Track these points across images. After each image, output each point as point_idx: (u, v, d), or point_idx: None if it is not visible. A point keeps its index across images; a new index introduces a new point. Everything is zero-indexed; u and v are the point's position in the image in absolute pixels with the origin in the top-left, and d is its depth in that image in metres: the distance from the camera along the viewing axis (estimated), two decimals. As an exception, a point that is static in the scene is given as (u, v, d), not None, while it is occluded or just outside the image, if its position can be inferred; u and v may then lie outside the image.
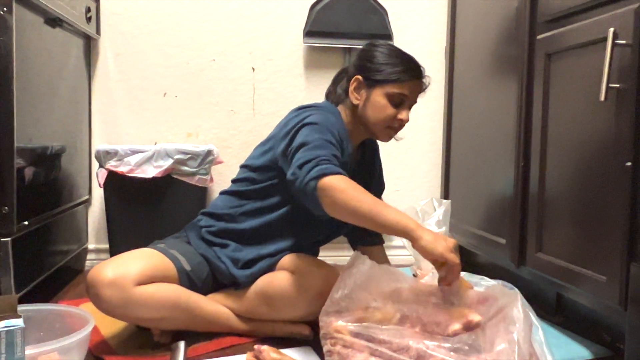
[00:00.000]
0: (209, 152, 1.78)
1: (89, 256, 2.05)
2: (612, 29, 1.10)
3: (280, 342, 1.27)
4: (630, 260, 1.09)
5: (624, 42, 1.09)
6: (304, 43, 2.06)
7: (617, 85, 1.11)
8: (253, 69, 2.09)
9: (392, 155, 2.14)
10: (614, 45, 1.10)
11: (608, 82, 1.11)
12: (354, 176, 1.36)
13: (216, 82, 2.08)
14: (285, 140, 1.30)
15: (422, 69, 1.37)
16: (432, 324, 1.06)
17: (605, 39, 1.13)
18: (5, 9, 1.29)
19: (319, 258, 1.43)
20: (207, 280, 1.37)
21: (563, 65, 1.34)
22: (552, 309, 1.50)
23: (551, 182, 1.38)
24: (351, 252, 1.31)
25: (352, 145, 1.39)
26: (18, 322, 0.90)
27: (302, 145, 1.23)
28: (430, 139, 2.21)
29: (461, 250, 2.01)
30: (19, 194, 1.37)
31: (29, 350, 0.98)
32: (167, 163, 1.72)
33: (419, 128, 2.20)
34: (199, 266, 1.35)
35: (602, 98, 1.11)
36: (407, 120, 1.36)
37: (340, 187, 1.13)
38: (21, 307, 1.14)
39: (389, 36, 2.08)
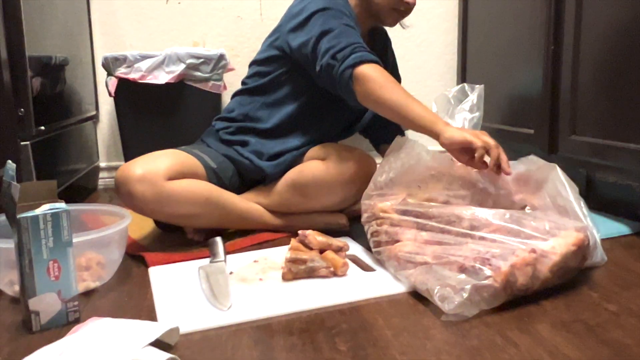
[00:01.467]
0: (221, 57, 1.70)
1: (101, 174, 2.02)
2: None
3: (317, 234, 1.27)
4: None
5: None
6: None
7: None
8: (260, -30, 1.99)
9: (405, 58, 2.09)
10: None
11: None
12: None
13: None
14: (298, 33, 1.26)
15: None
16: (481, 199, 1.05)
17: None
18: None
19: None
20: (234, 179, 1.35)
21: None
22: (583, 195, 1.50)
23: (586, 60, 1.34)
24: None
25: (360, 30, 1.33)
26: (62, 205, 0.86)
27: (324, 34, 1.20)
28: (444, 40, 2.14)
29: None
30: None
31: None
32: (179, 68, 1.64)
33: (432, 29, 2.13)
34: (224, 164, 1.33)
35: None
36: (413, 3, 1.32)
37: (374, 76, 1.13)
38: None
39: None
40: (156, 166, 1.17)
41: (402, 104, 1.11)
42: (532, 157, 1.12)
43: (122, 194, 1.16)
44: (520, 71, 1.64)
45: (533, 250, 0.90)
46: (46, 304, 0.85)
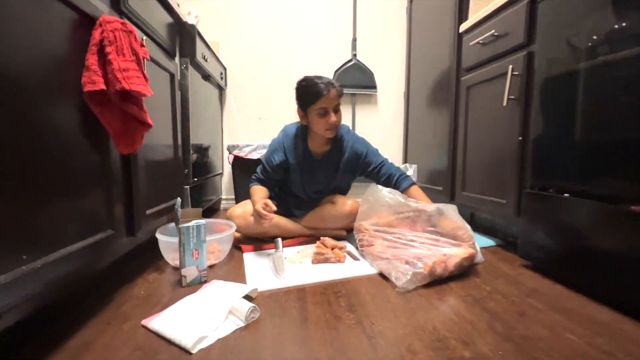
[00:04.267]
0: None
1: (222, 203, 2.00)
2: (511, 66, 1.02)
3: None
4: (520, 188, 1.02)
5: (517, 72, 1.02)
6: (331, 90, 1.98)
7: (513, 97, 1.03)
8: (305, 105, 2.01)
9: (373, 140, 2.05)
10: (512, 75, 1.02)
11: (509, 94, 1.03)
12: (316, 163, 1.22)
13: (288, 112, 2.00)
14: None
15: (327, 84, 1.05)
16: (415, 221, 1.00)
17: (503, 74, 1.06)
18: (184, 66, 1.23)
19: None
20: (286, 212, 1.29)
21: (477, 92, 1.26)
22: (469, 222, 1.43)
23: (471, 152, 1.29)
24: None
25: (313, 145, 1.18)
26: (202, 221, 0.85)
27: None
28: (395, 144, 2.10)
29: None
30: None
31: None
32: (264, 151, 1.64)
33: (388, 139, 2.10)
34: (280, 206, 1.28)
35: (505, 104, 1.04)
36: (335, 121, 1.08)
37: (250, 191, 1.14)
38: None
39: (374, 86, 2.00)
40: (247, 209, 1.14)
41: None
42: (449, 205, 1.00)
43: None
44: (437, 157, 1.60)
45: (444, 255, 0.85)
46: (190, 272, 0.83)
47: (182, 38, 1.22)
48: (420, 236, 0.91)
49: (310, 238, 1.27)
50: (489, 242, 1.19)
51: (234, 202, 1.83)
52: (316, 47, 1.99)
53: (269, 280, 0.85)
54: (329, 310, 0.70)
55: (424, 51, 1.73)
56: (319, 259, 0.97)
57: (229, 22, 1.92)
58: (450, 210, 0.96)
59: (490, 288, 0.81)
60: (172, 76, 1.11)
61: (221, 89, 1.91)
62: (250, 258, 1.03)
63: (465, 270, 0.89)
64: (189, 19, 1.70)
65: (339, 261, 0.98)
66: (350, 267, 0.95)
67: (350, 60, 1.98)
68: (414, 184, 1.16)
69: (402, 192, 1.14)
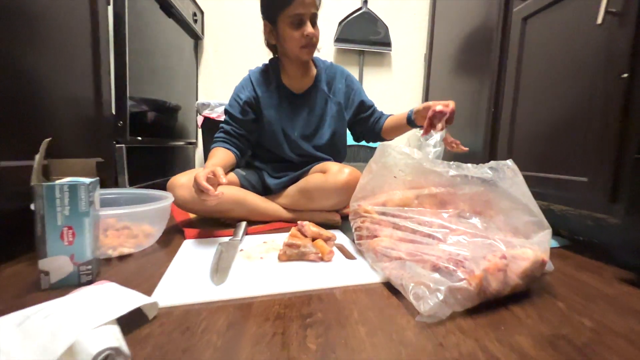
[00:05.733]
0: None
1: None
2: (616, -44, 0.64)
3: (316, 226, 0.86)
4: (620, 156, 0.65)
5: (625, -31, 0.64)
6: (334, 46, 1.61)
7: (614, 10, 0.66)
8: (300, 63, 1.66)
9: (389, 105, 1.70)
10: (615, -28, 0.64)
11: (607, 7, 0.66)
12: (297, 99, 0.90)
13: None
14: None
15: None
16: (446, 200, 0.64)
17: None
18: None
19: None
20: (258, 183, 0.96)
21: (538, 22, 0.88)
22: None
23: (524, 114, 0.92)
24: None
25: (288, 79, 0.90)
26: (84, 180, 0.50)
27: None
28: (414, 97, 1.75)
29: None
30: (135, 122, 0.98)
31: (111, 211, 0.60)
32: (242, 113, 1.31)
33: (403, 109, 1.74)
34: (250, 174, 0.95)
35: (600, 22, 0.66)
36: (313, 32, 0.81)
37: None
38: (116, 190, 0.75)
39: (389, 44, 1.62)
40: (194, 176, 0.80)
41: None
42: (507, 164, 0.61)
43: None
44: (466, 127, 1.23)
45: (504, 256, 0.49)
46: (57, 266, 0.48)
47: None
48: (456, 222, 0.55)
49: (290, 224, 0.92)
50: (551, 243, 0.82)
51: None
52: (317, -8, 1.62)
53: (194, 287, 0.50)
54: (282, 357, 0.34)
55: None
56: (291, 253, 0.62)
57: (209, -46, 1.57)
58: (509, 179, 0.59)
59: (590, 322, 0.45)
60: (91, -24, 0.77)
61: (197, 39, 1.56)
62: (188, 248, 0.68)
63: (533, 284, 0.53)
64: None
65: (321, 259, 0.62)
66: (339, 269, 0.59)
67: (359, 9, 1.61)
68: (390, 115, 0.93)
69: (381, 129, 0.93)
